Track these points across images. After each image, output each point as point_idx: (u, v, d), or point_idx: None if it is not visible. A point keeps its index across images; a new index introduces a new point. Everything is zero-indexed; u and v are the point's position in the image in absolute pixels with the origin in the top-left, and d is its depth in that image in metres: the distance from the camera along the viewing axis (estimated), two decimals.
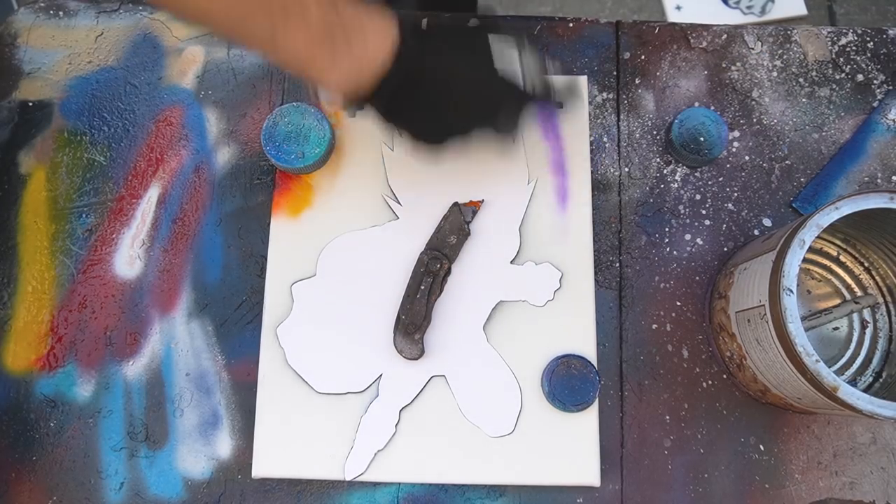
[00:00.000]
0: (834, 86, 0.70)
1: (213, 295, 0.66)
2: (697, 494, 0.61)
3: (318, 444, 0.61)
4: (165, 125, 0.70)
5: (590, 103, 0.69)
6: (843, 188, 0.67)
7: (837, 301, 0.64)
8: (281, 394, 0.62)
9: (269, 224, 0.66)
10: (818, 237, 0.53)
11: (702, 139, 0.66)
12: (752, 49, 0.71)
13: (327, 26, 0.47)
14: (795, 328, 0.50)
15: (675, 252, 0.66)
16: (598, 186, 0.68)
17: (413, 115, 0.54)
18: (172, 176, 0.68)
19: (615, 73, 0.70)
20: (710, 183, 0.68)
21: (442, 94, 0.53)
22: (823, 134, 0.69)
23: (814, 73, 0.71)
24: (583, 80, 0.68)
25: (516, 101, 0.55)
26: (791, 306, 0.50)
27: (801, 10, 1.61)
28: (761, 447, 0.62)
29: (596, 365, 0.62)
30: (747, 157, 0.69)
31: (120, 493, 0.62)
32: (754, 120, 0.69)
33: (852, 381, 0.62)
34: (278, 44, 0.47)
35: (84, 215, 0.68)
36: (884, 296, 0.63)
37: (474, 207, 0.65)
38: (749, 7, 1.61)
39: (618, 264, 0.66)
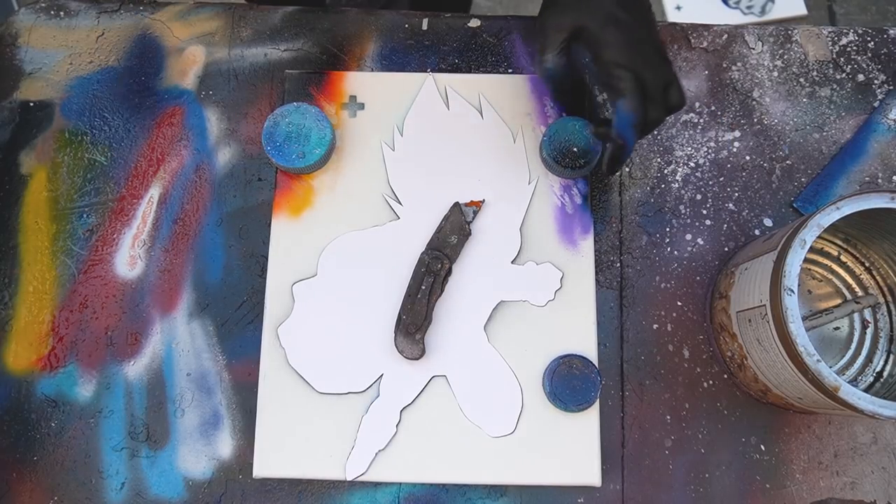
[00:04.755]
0: (835, 86, 0.70)
1: (213, 295, 0.66)
2: (698, 494, 0.61)
3: (319, 444, 0.61)
4: (166, 125, 0.70)
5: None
6: (843, 188, 0.67)
7: (838, 301, 0.64)
8: (282, 394, 0.62)
9: (269, 224, 0.66)
10: (819, 237, 0.53)
11: (575, 150, 0.65)
12: (753, 49, 0.71)
13: None
14: (796, 328, 0.50)
15: (675, 252, 0.66)
16: (599, 186, 0.68)
17: None
18: (173, 176, 0.69)
19: None
20: (710, 183, 0.68)
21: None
22: (824, 134, 0.69)
23: (814, 73, 0.71)
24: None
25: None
26: (792, 306, 0.50)
27: (801, 10, 1.61)
28: (762, 447, 0.62)
29: (597, 365, 0.62)
30: (748, 157, 0.69)
31: (121, 493, 0.62)
32: (755, 120, 0.69)
33: (853, 381, 0.62)
34: None
35: (85, 215, 0.68)
36: (884, 295, 0.63)
37: (475, 207, 0.65)
38: (749, 7, 1.61)
39: (619, 264, 0.66)
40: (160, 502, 0.62)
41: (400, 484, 0.62)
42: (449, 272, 0.63)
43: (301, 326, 0.64)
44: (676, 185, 0.68)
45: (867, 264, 0.63)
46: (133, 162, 0.69)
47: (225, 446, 0.63)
